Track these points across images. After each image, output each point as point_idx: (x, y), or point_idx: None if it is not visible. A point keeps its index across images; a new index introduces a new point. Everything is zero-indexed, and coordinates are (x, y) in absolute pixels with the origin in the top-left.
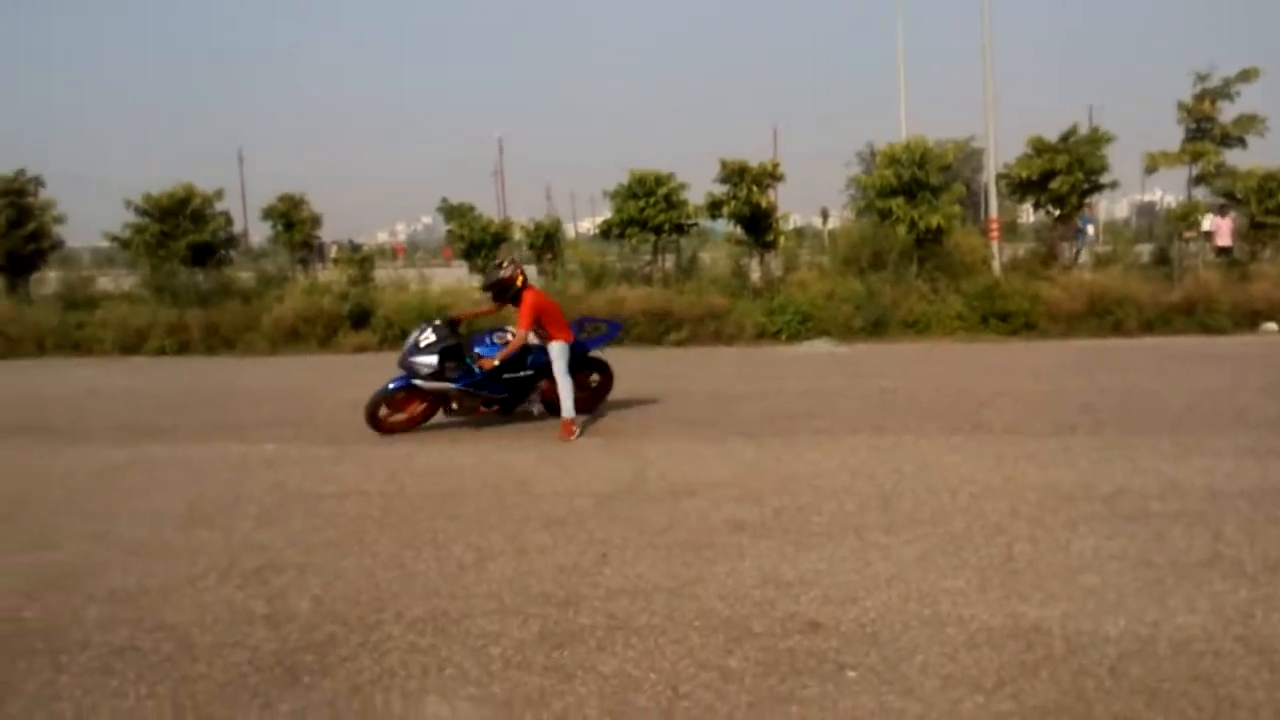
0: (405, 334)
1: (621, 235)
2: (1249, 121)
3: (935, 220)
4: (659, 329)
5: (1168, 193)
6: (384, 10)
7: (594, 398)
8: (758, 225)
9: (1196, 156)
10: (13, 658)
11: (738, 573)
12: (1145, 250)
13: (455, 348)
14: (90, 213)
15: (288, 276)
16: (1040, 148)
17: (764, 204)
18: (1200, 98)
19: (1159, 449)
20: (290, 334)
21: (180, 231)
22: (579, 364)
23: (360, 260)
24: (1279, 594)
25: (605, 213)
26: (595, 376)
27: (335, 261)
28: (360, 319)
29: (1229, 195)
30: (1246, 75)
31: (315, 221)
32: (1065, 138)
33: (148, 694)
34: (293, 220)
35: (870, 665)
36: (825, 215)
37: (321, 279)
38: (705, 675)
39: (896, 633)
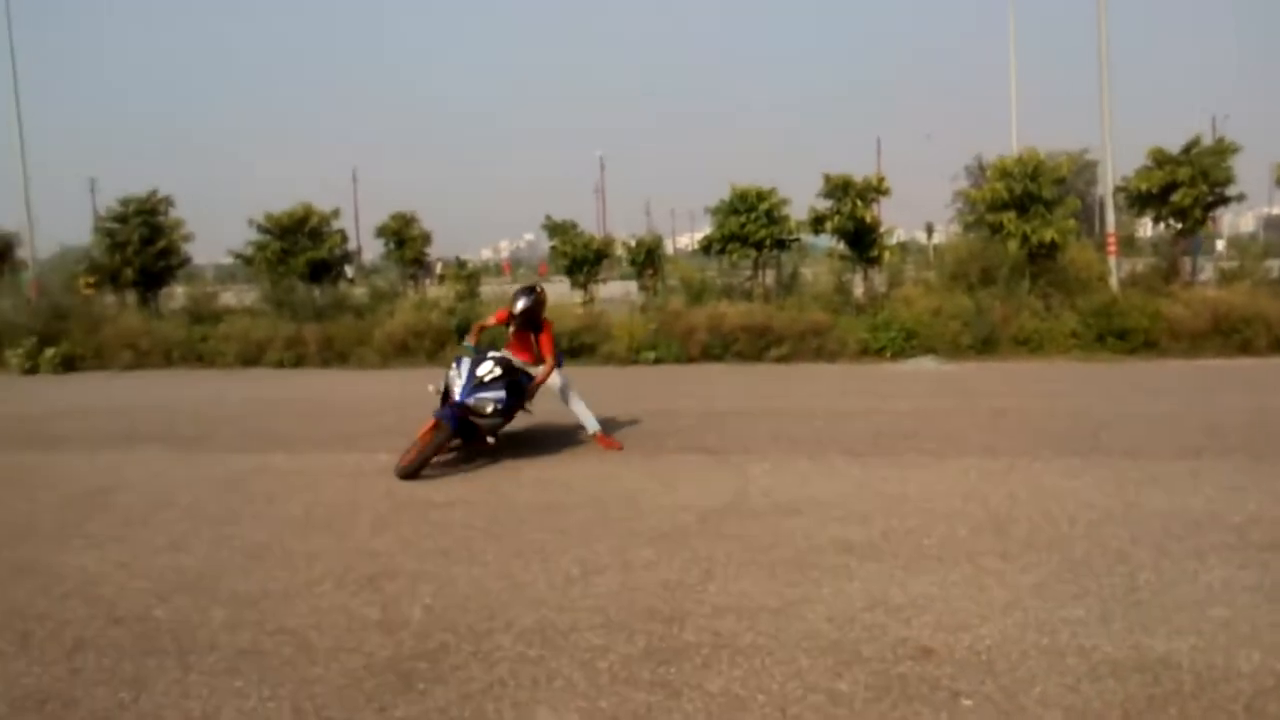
0: None
1: (722, 251)
2: None
3: (1049, 235)
4: (759, 345)
5: None
6: (481, 30)
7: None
8: (861, 240)
9: None
10: (145, 655)
11: (845, 594)
12: (1275, 265)
13: (518, 380)
14: (214, 231)
15: (399, 292)
16: (1161, 159)
17: (868, 219)
18: None
19: None
20: (400, 348)
21: (299, 249)
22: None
23: (467, 276)
24: None
25: (705, 228)
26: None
27: (441, 278)
28: (467, 333)
29: None
30: None
31: (425, 239)
32: (1188, 149)
33: (270, 695)
34: (404, 238)
35: (986, 694)
36: (930, 230)
37: (430, 295)
38: (814, 698)
39: (1014, 662)
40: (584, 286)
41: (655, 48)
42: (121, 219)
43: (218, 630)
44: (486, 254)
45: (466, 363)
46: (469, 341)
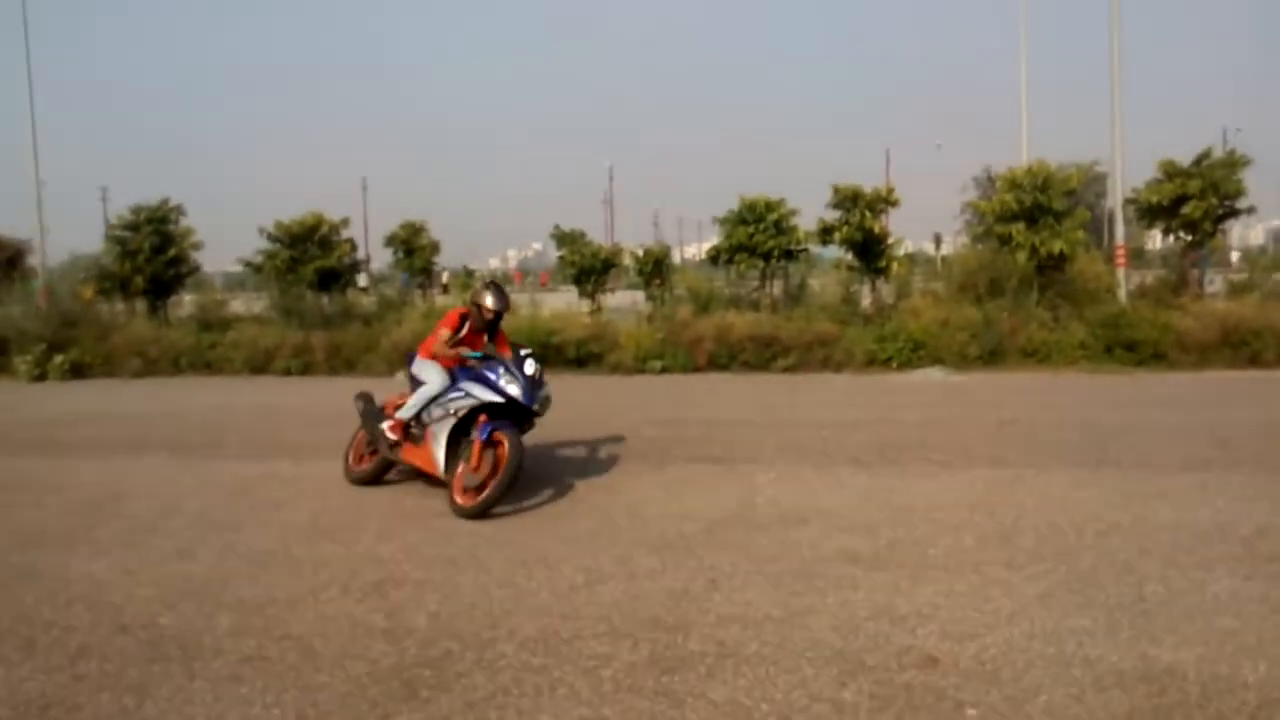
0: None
1: (730, 261)
2: None
3: (1058, 246)
4: (766, 355)
5: None
6: (488, 36)
7: None
8: (869, 251)
9: None
10: (149, 663)
11: (850, 604)
12: None
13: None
14: (222, 238)
15: (406, 301)
16: (1171, 172)
17: (876, 229)
18: None
19: None
20: (408, 356)
21: (308, 257)
22: None
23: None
24: None
25: (713, 238)
26: None
27: (445, 288)
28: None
29: None
30: None
31: (434, 248)
32: (1198, 161)
33: (273, 702)
34: (413, 247)
35: (991, 704)
36: (938, 241)
37: (439, 304)
38: (818, 708)
39: (1019, 671)
40: (592, 296)
41: (663, 58)
42: (133, 227)
43: (223, 637)
44: (494, 263)
45: (500, 367)
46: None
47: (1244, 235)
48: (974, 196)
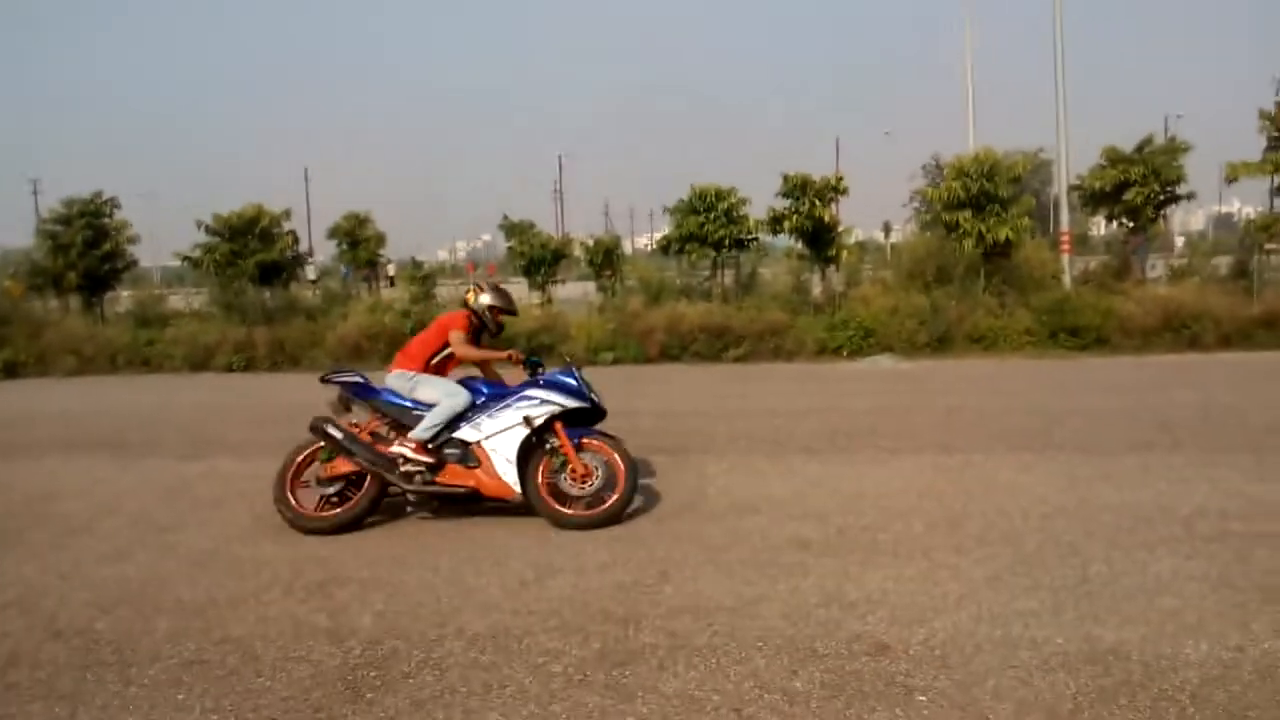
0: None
1: (681, 251)
2: None
3: (1004, 233)
4: (718, 345)
5: (1247, 204)
6: (435, 31)
7: None
8: (819, 239)
9: (1278, 167)
10: (84, 670)
11: (801, 592)
12: (1223, 263)
13: None
14: (161, 232)
15: (352, 294)
16: (1114, 158)
17: (826, 218)
18: None
19: (1240, 468)
20: (354, 351)
21: (249, 250)
22: None
23: (422, 277)
24: None
25: (664, 228)
26: None
27: (391, 280)
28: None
29: None
30: None
31: (379, 240)
32: (1140, 148)
33: (213, 707)
34: (357, 239)
35: (941, 689)
36: (888, 229)
37: (385, 297)
38: (769, 697)
39: (967, 656)
40: (542, 287)
41: (614, 48)
42: (65, 221)
43: (161, 641)
44: (443, 255)
45: (573, 370)
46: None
47: (1185, 221)
48: (923, 184)
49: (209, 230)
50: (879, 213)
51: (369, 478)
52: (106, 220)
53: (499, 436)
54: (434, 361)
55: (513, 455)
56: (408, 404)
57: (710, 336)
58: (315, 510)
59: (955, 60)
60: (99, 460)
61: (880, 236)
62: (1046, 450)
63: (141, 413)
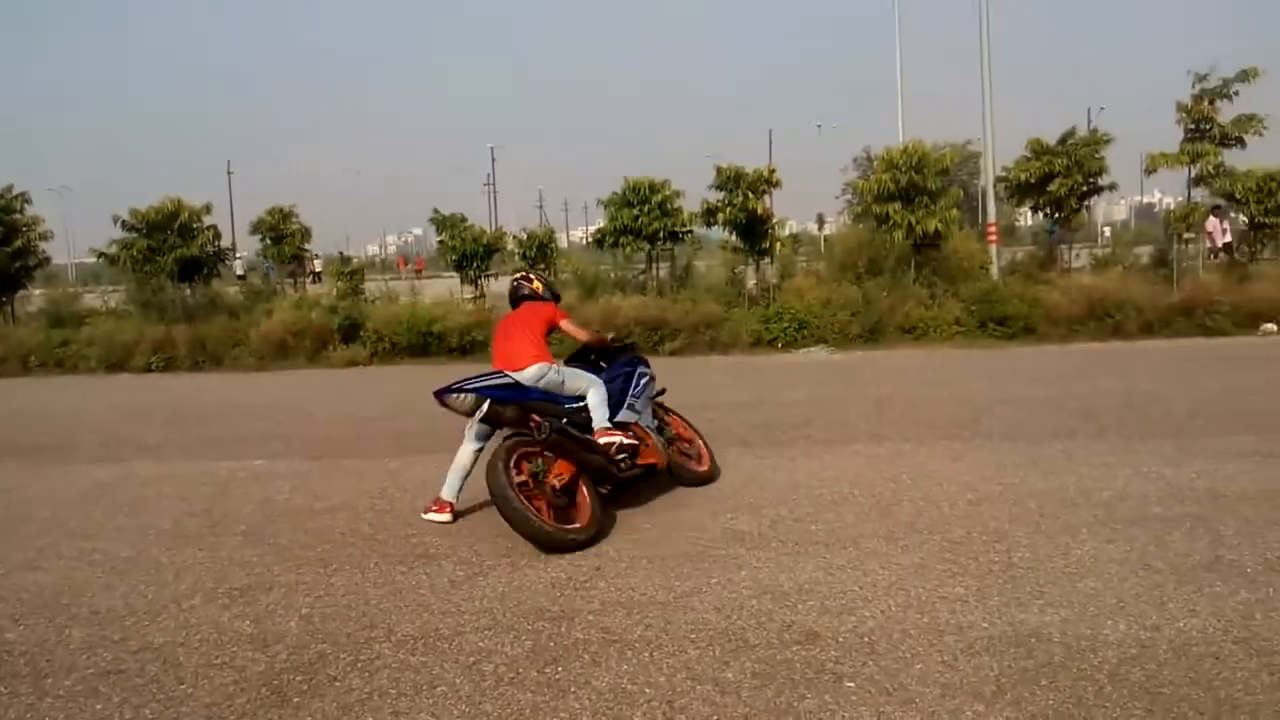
0: (395, 347)
1: (616, 244)
2: (1247, 122)
3: (933, 225)
4: (653, 338)
5: (1167, 194)
6: (368, 19)
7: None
8: (753, 232)
9: (1196, 157)
10: None
11: (734, 584)
12: (1145, 252)
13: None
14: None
15: (276, 290)
16: (1038, 150)
17: (760, 210)
18: (1199, 98)
19: (1160, 453)
20: (279, 349)
21: (168, 246)
22: None
23: (350, 273)
24: (1279, 596)
25: (599, 221)
26: None
27: (317, 275)
28: (350, 332)
29: (1228, 196)
30: (1245, 75)
31: (304, 234)
32: (1064, 140)
33: (132, 717)
34: (281, 233)
35: (869, 675)
36: (821, 221)
37: (311, 293)
38: (701, 688)
39: (895, 642)
40: (474, 282)
41: (546, 40)
42: None
43: (76, 651)
44: (373, 249)
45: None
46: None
47: (1109, 211)
48: (855, 177)
49: (126, 226)
50: (814, 205)
51: (580, 481)
52: (17, 216)
53: (644, 413)
54: None
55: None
56: (563, 398)
57: (645, 329)
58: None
59: (886, 54)
60: (10, 465)
61: (814, 229)
62: (974, 438)
63: (55, 416)
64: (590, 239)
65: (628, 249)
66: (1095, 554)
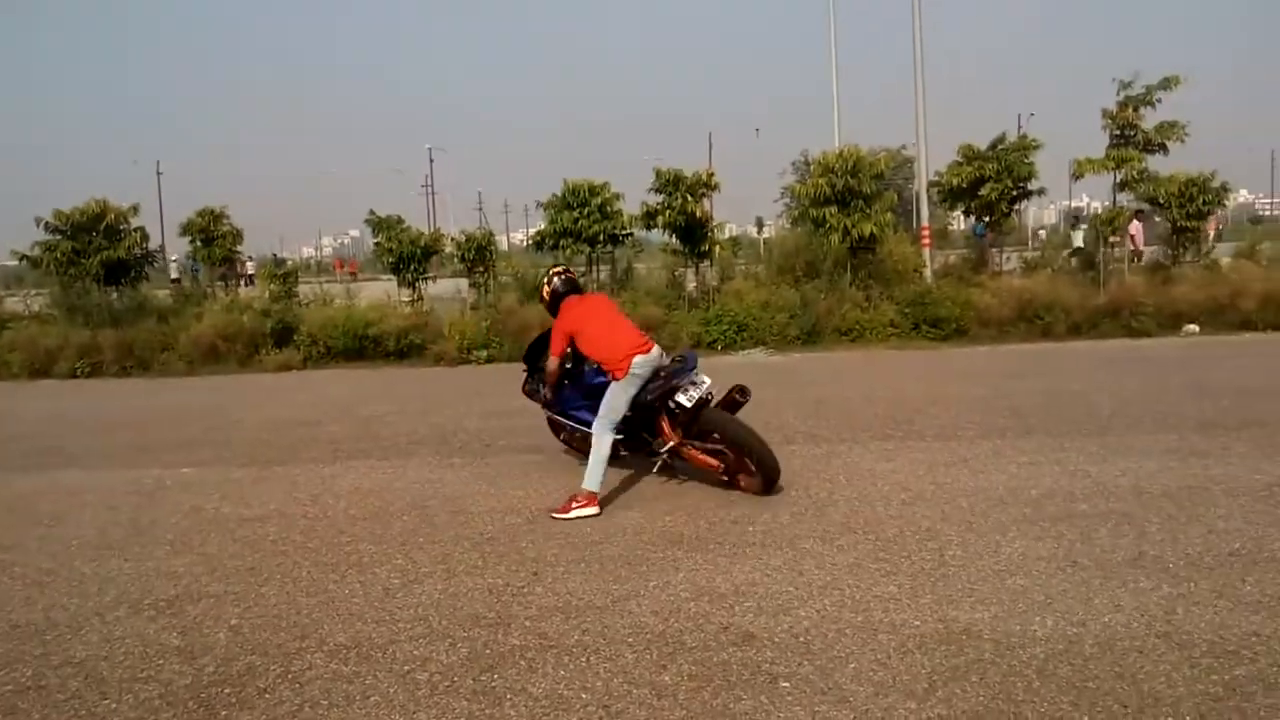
0: (330, 351)
1: (556, 246)
2: (1169, 128)
3: (868, 228)
4: None
5: (1094, 198)
6: (307, 20)
7: (740, 469)
8: (693, 235)
9: (1120, 163)
10: None
11: (671, 586)
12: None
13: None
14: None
15: (207, 294)
16: (970, 155)
17: (699, 213)
18: (1124, 105)
19: (1086, 451)
20: (209, 353)
21: (93, 248)
22: (683, 425)
23: (283, 275)
24: (1200, 590)
25: (539, 224)
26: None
27: (249, 279)
28: (283, 336)
29: (1152, 200)
30: (1167, 83)
31: (236, 236)
32: (994, 145)
33: None
34: (212, 235)
35: (804, 675)
36: (760, 224)
37: (244, 296)
38: (638, 692)
39: (829, 641)
40: (411, 285)
41: (488, 42)
42: None
43: None
44: (308, 251)
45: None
46: None
47: (1039, 215)
48: (792, 180)
49: (49, 227)
50: (754, 208)
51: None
52: None
53: None
54: None
55: None
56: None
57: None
58: None
59: (822, 59)
60: None
61: (754, 232)
62: (908, 438)
63: None
64: (530, 241)
65: (568, 251)
66: (1024, 551)
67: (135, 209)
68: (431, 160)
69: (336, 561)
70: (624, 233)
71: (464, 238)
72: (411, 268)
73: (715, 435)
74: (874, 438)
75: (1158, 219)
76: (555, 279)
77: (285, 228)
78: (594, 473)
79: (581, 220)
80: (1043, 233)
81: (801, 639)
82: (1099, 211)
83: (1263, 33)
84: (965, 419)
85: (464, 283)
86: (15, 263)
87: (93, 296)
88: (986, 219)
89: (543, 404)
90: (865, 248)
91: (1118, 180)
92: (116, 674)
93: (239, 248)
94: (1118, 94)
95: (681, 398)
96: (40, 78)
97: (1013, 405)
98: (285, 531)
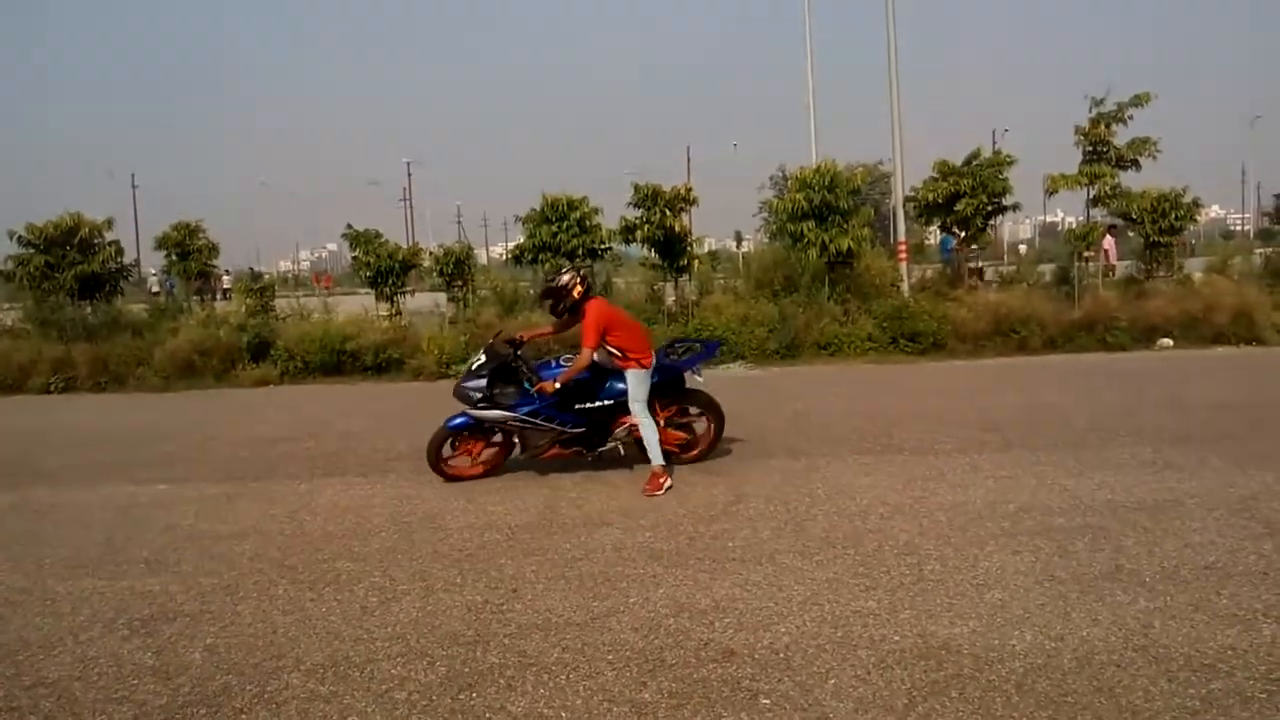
0: (308, 366)
1: (535, 260)
2: (1141, 144)
3: (845, 243)
4: (573, 355)
5: (1068, 214)
6: (283, 31)
7: (698, 441)
8: (672, 249)
9: (1093, 178)
10: None
11: (651, 602)
12: (1048, 270)
13: (509, 370)
14: None
15: (183, 308)
16: (945, 171)
17: (677, 228)
18: (1096, 121)
19: (1063, 465)
20: (185, 368)
21: (67, 262)
22: (669, 395)
23: (260, 289)
24: (1176, 604)
25: (518, 238)
26: (695, 412)
27: (226, 293)
28: (260, 351)
29: (1125, 216)
30: (1139, 100)
31: (212, 250)
32: (969, 161)
33: None
34: (188, 249)
35: (784, 691)
36: (739, 239)
37: (220, 310)
38: (618, 710)
39: (809, 657)
40: (390, 299)
41: (468, 56)
42: None
43: None
44: (285, 264)
45: (480, 354)
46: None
47: (1015, 230)
48: (770, 195)
49: (22, 241)
50: (733, 223)
51: None
52: None
53: None
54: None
55: None
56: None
57: (565, 347)
58: None
59: (799, 74)
60: None
61: (733, 246)
62: (886, 452)
63: None
64: (509, 255)
65: (547, 265)
66: (1002, 565)
67: (109, 222)
68: (409, 173)
69: (314, 579)
70: (603, 247)
71: (442, 251)
72: (389, 282)
73: (693, 409)
74: (853, 452)
75: (1130, 234)
76: (583, 279)
77: (262, 241)
78: (656, 449)
79: (560, 234)
80: (1023, 247)
81: (782, 655)
82: (1073, 226)
83: (1236, 48)
84: (943, 433)
85: (442, 297)
86: None
87: (67, 311)
88: (958, 232)
89: (509, 407)
90: (843, 262)
91: (1091, 196)
92: (90, 695)
93: (215, 261)
94: (1090, 110)
95: (698, 378)
96: (13, 89)
97: (990, 419)
98: (262, 549)
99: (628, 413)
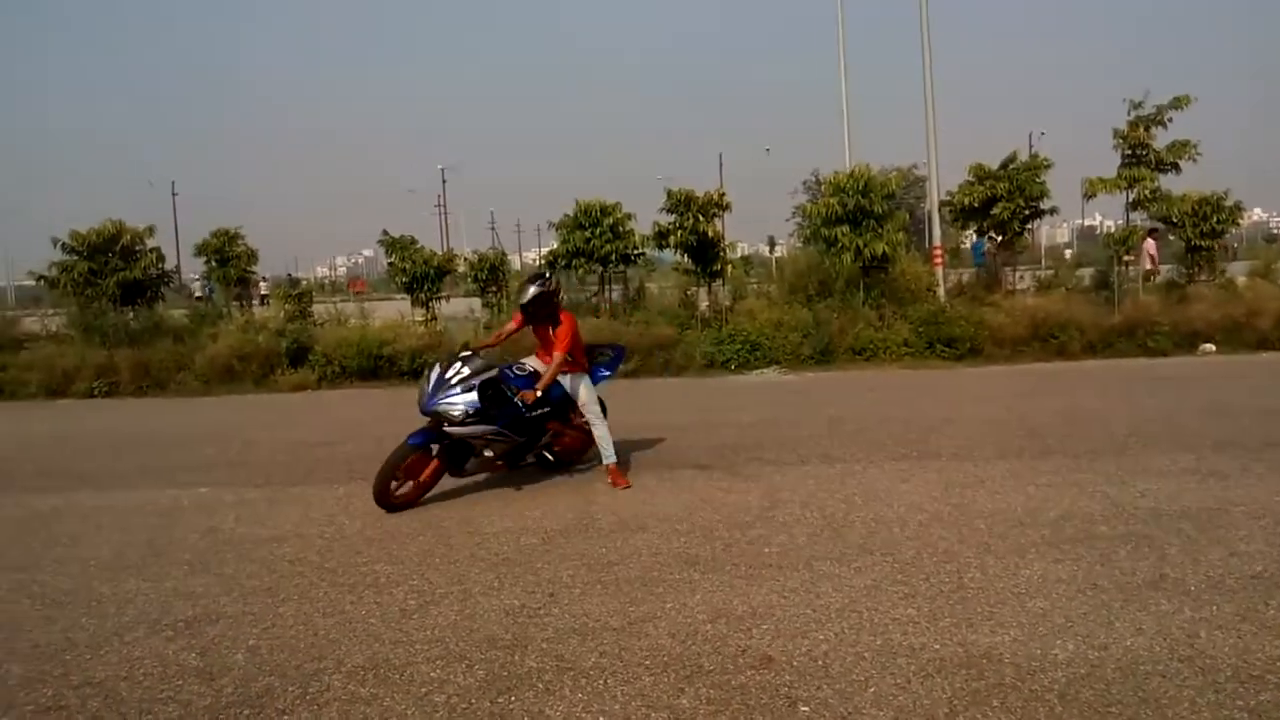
0: (345, 370)
1: (568, 266)
2: (1181, 147)
3: (880, 248)
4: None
5: (1107, 217)
6: (319, 42)
7: (585, 440)
8: (705, 254)
9: (1132, 182)
10: None
11: (688, 608)
12: (1087, 274)
13: (495, 381)
14: (16, 249)
15: (223, 314)
16: (981, 175)
17: (711, 233)
18: (1134, 124)
19: (1104, 472)
20: (225, 373)
21: (109, 269)
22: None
23: (297, 295)
24: (1222, 613)
25: (551, 244)
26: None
27: (264, 299)
28: (298, 356)
29: (1165, 219)
30: (1178, 102)
31: (251, 256)
32: (1005, 164)
33: None
34: (227, 256)
35: (823, 699)
36: (772, 243)
37: (259, 316)
38: (656, 716)
39: (849, 665)
40: (425, 304)
41: (499, 62)
42: None
43: (15, 688)
44: (322, 271)
45: (438, 367)
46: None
47: (1052, 234)
48: (804, 200)
49: (66, 248)
50: (766, 228)
51: None
52: None
53: None
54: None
55: None
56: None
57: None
58: None
59: (833, 78)
60: None
61: (766, 251)
62: (923, 458)
63: None
64: (543, 261)
65: (580, 271)
66: (1043, 574)
67: (151, 230)
68: (444, 180)
69: (353, 582)
70: (636, 252)
71: (477, 258)
72: (425, 287)
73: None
74: (889, 458)
75: (1171, 237)
76: (556, 283)
77: (299, 248)
78: (609, 446)
79: (594, 240)
80: (1068, 253)
81: (820, 662)
82: (1112, 230)
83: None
84: (981, 439)
85: (477, 302)
86: (33, 283)
87: (109, 317)
88: (994, 237)
89: (481, 420)
90: (878, 267)
91: (1130, 200)
92: (136, 694)
93: (254, 268)
94: (1129, 114)
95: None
96: (53, 99)
97: (1029, 425)
98: (301, 552)
99: (558, 419)
